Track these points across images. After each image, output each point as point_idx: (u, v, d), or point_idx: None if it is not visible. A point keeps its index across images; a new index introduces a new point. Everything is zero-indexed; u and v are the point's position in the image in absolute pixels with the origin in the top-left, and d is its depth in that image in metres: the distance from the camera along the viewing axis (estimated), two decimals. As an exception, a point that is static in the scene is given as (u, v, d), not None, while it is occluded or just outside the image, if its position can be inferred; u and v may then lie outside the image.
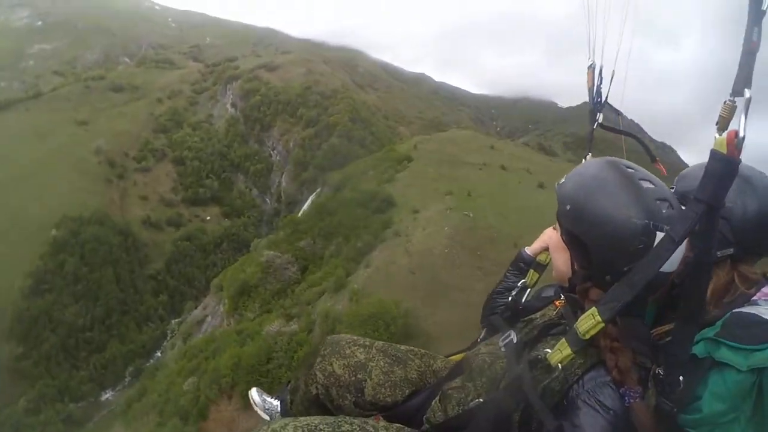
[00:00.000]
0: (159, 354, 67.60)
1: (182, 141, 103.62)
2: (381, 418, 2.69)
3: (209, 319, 60.63)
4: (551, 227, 2.66)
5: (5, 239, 68.61)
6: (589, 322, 1.82)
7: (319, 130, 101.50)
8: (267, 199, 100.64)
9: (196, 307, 70.47)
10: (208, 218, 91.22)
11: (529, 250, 2.96)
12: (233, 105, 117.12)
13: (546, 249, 2.79)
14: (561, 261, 2.20)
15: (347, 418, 2.33)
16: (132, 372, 63.77)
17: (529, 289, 2.90)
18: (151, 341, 69.05)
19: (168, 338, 69.40)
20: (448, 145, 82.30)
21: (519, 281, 2.95)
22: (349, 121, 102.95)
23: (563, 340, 1.91)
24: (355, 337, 3.07)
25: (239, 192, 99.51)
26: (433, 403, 2.55)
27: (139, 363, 64.96)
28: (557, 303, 2.29)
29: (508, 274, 3.04)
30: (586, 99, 3.01)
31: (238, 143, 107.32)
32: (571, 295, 2.12)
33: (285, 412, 3.35)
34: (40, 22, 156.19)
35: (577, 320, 1.90)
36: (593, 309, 1.82)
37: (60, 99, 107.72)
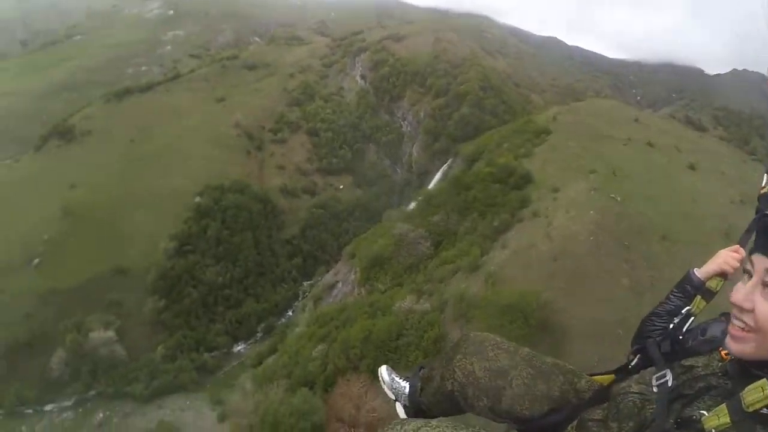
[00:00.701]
0: (290, 313, 70.66)
1: (315, 113, 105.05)
2: (514, 428, 2.72)
3: (340, 285, 61.50)
4: (730, 252, 2.51)
5: (153, 206, 74.62)
6: (756, 395, 1.67)
7: (449, 100, 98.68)
8: (398, 170, 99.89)
9: (327, 272, 72.35)
10: (341, 187, 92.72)
11: (699, 273, 2.69)
12: (362, 77, 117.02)
13: (719, 275, 2.54)
14: None
15: None
16: (264, 328, 67.41)
17: (692, 318, 2.60)
18: (284, 301, 72.19)
19: (300, 299, 72.31)
20: (588, 117, 76.53)
21: (683, 306, 2.66)
22: (479, 90, 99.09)
23: (723, 405, 1.77)
24: (500, 340, 2.93)
25: (371, 162, 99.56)
26: (569, 427, 2.47)
27: (271, 320, 68.47)
28: (724, 354, 2.03)
29: (671, 296, 2.76)
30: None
31: (369, 114, 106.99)
32: (748, 362, 1.86)
33: (412, 396, 3.32)
34: (171, 12, 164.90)
35: (742, 384, 1.76)
36: (763, 381, 1.68)
37: (198, 79, 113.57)
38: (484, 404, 2.75)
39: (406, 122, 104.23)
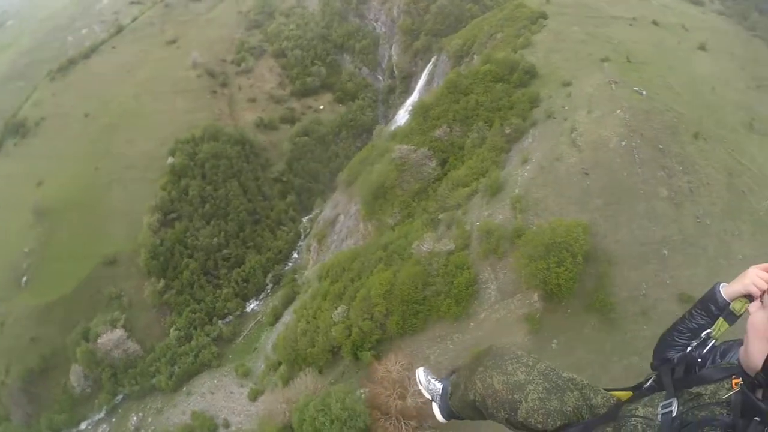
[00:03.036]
0: (296, 255, 65.13)
1: (278, 32, 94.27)
2: None
3: (342, 218, 56.00)
4: (759, 271, 2.33)
5: (125, 179, 66.14)
6: None
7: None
8: (379, 76, 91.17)
9: (325, 203, 66.85)
10: (322, 107, 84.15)
11: (724, 292, 2.52)
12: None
13: (744, 296, 2.37)
14: (757, 350, 2.00)
15: None
16: (273, 278, 61.86)
17: (713, 341, 2.54)
18: (287, 245, 66.15)
19: (302, 238, 66.54)
20: None
21: (705, 326, 2.60)
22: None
23: None
24: (520, 353, 2.99)
25: (348, 74, 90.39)
26: None
27: (277, 269, 62.86)
28: (735, 382, 2.05)
29: (694, 312, 2.69)
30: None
31: (337, 22, 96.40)
32: (747, 392, 1.97)
33: (444, 399, 3.49)
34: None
35: (743, 417, 1.87)
36: None
37: (143, 26, 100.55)
38: (502, 415, 2.80)
39: (379, 23, 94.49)
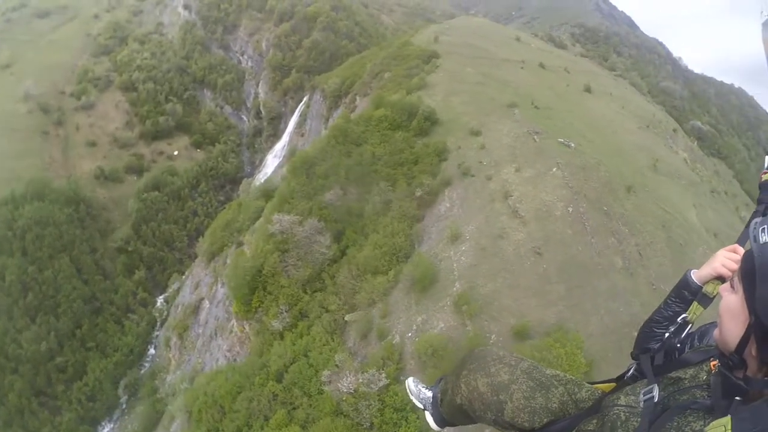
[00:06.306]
0: (152, 351, 48.18)
1: (129, 60, 77.31)
2: None
3: (207, 304, 41.18)
4: (728, 253, 2.24)
5: None
6: (718, 430, 1.63)
7: (295, 25, 77.67)
8: (244, 117, 77.99)
9: (183, 276, 51.33)
10: (176, 153, 67.97)
11: (695, 276, 2.41)
12: (186, 7, 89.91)
13: (716, 278, 2.30)
14: (731, 331, 1.85)
15: None
16: (126, 388, 44.42)
17: (690, 325, 2.43)
18: (139, 340, 48.74)
19: (157, 326, 49.75)
20: (473, 37, 62.25)
21: (681, 312, 2.45)
22: (331, 11, 79.31)
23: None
24: (502, 354, 2.84)
25: (209, 113, 75.43)
26: None
27: (131, 375, 45.32)
28: (713, 364, 1.96)
29: (669, 300, 2.54)
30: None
31: (198, 53, 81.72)
32: (726, 373, 1.86)
33: (435, 407, 3.32)
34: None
35: (724, 398, 1.78)
36: (728, 419, 1.60)
37: None
38: (489, 417, 2.69)
39: (245, 57, 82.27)
